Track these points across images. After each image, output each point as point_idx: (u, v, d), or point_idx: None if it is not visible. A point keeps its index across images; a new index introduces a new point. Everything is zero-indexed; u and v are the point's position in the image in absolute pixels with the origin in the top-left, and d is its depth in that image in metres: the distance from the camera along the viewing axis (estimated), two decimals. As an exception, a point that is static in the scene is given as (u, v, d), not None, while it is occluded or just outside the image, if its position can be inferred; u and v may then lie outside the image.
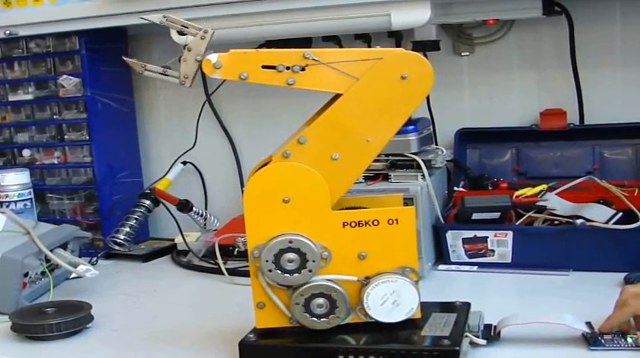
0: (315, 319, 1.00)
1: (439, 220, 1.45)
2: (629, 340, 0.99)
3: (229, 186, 1.89)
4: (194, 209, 1.76)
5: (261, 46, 1.60)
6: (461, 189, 1.57)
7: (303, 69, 0.99)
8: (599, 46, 1.57)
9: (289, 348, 1.00)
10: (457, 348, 0.94)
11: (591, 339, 1.00)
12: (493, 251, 1.40)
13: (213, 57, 0.99)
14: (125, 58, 1.08)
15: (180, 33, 1.03)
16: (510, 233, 1.39)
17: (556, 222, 1.41)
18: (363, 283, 1.00)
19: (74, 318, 1.20)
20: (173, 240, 1.73)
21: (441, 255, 1.45)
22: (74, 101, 1.74)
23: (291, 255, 0.98)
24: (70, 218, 1.78)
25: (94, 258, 1.67)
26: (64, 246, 1.48)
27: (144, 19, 1.05)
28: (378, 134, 1.00)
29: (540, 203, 1.43)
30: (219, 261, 1.51)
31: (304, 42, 1.55)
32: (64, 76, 1.73)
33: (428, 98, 1.63)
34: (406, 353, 0.95)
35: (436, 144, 1.60)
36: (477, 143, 1.64)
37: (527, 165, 1.60)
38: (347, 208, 1.03)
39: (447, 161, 1.58)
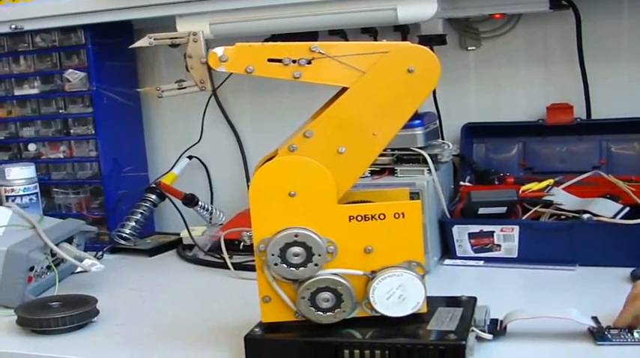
0: (321, 313, 1.00)
1: (445, 215, 1.45)
2: (636, 335, 0.99)
3: (235, 181, 1.89)
4: (200, 203, 1.76)
5: (267, 40, 1.60)
6: (467, 183, 1.57)
7: (309, 62, 0.98)
8: (606, 40, 1.57)
9: (295, 342, 1.00)
10: (463, 342, 0.94)
11: (598, 334, 1.00)
12: (499, 245, 1.40)
13: (219, 50, 0.99)
14: (139, 89, 1.10)
15: (173, 45, 1.03)
16: (517, 227, 1.38)
17: (562, 217, 1.40)
18: (369, 277, 0.99)
19: (79, 312, 1.20)
20: (179, 234, 1.73)
21: (447, 250, 1.45)
22: (80, 95, 1.74)
23: (297, 249, 0.98)
24: (75, 212, 1.78)
25: (100, 253, 1.67)
26: (69, 241, 1.48)
27: (135, 47, 1.06)
28: (384, 128, 0.99)
29: (547, 198, 1.43)
30: (225, 255, 1.51)
31: (310, 36, 1.55)
32: (70, 70, 1.73)
33: (434, 92, 1.63)
34: (412, 347, 0.95)
35: (442, 139, 1.59)
36: (483, 137, 1.64)
37: (534, 159, 1.60)
38: (353, 202, 1.03)
39: (453, 155, 1.57)
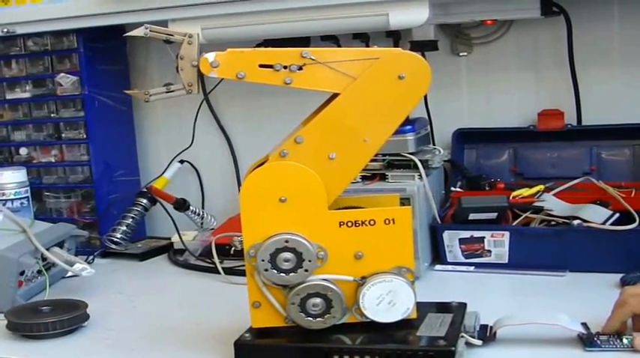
0: (311, 319, 1.00)
1: (436, 220, 1.45)
2: (625, 341, 0.99)
3: (226, 185, 1.89)
4: (191, 208, 1.75)
5: (258, 46, 1.60)
6: (458, 189, 1.57)
7: (300, 68, 0.98)
8: (597, 46, 1.57)
9: (285, 348, 1.00)
10: (453, 348, 0.95)
11: (587, 340, 1.00)
12: (490, 251, 1.40)
13: (210, 56, 0.99)
14: (127, 92, 1.09)
15: (167, 41, 1.03)
16: (507, 233, 1.39)
17: (553, 223, 1.41)
18: (359, 283, 1.00)
19: (70, 317, 1.20)
20: (170, 238, 1.73)
21: (438, 255, 1.45)
22: (72, 99, 1.74)
23: (288, 255, 0.98)
24: (66, 216, 1.78)
25: (91, 257, 1.66)
26: (60, 245, 1.48)
27: (130, 35, 1.06)
28: (375, 134, 1.00)
29: (537, 203, 1.43)
30: (216, 260, 1.51)
31: (302, 41, 1.55)
32: (62, 74, 1.73)
33: (425, 98, 1.63)
34: (402, 353, 0.95)
35: (433, 144, 1.60)
36: (474, 143, 1.64)
37: (525, 165, 1.60)
38: (343, 208, 1.03)
39: (444, 161, 1.57)
